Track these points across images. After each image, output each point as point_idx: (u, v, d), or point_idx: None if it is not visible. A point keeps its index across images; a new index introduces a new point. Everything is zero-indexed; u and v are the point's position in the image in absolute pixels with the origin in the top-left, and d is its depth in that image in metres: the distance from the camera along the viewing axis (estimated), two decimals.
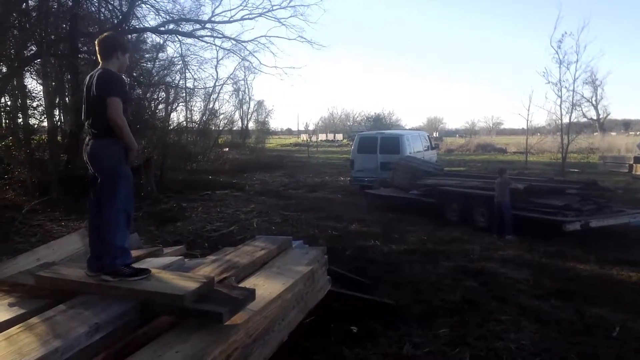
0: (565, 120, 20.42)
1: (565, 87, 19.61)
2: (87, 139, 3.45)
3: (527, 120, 24.23)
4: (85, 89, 3.46)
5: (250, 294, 3.22)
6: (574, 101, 20.33)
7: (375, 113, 67.02)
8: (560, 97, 19.70)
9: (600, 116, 48.32)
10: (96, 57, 3.59)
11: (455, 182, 10.81)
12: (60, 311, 2.86)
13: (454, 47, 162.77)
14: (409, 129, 39.60)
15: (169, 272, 3.56)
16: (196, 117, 26.34)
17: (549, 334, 4.31)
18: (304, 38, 17.54)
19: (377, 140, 14.30)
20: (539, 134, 32.45)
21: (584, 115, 20.67)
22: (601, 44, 54.53)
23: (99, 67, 3.47)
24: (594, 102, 45.81)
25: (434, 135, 55.06)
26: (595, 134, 42.68)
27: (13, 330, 2.62)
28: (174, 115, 23.12)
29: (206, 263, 4.29)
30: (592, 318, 4.67)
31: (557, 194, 9.05)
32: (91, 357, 2.60)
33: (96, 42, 3.54)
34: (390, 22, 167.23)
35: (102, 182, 3.34)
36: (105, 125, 3.28)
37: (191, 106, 25.79)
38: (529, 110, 26.29)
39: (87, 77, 3.52)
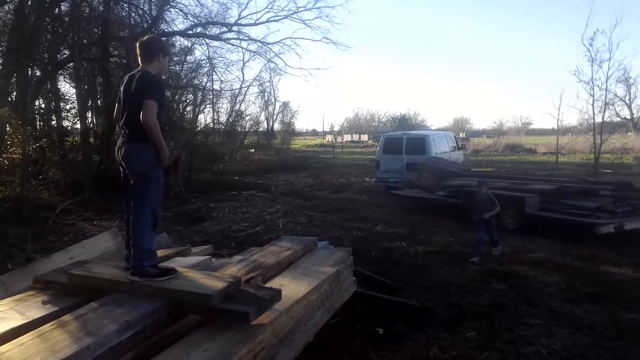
0: (598, 119, 19.93)
1: (598, 85, 19.14)
2: (120, 140, 3.47)
3: (558, 120, 23.63)
4: (122, 89, 3.47)
5: (277, 294, 3.24)
6: (607, 100, 19.87)
7: (400, 114, 66.83)
8: (593, 96, 19.21)
9: (635, 115, 46.71)
10: (127, 60, 3.65)
11: None
12: (92, 309, 2.92)
13: (481, 46, 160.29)
14: (435, 130, 39.20)
15: (196, 271, 3.61)
16: (223, 118, 26.75)
17: (581, 339, 4.19)
18: (329, 39, 17.82)
19: (402, 140, 14.20)
20: (570, 134, 31.60)
21: (617, 115, 20.18)
22: (635, 42, 52.65)
23: (139, 68, 3.47)
24: (627, 101, 44.43)
25: (461, 135, 54.35)
26: (629, 133, 41.30)
27: (46, 327, 2.67)
28: (201, 117, 23.53)
29: (233, 263, 4.33)
30: (626, 323, 4.52)
31: (589, 196, 8.80)
32: (122, 354, 2.65)
33: (138, 44, 3.53)
34: (415, 23, 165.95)
35: (133, 185, 3.38)
36: (139, 128, 3.28)
37: (218, 108, 26.19)
38: (559, 109, 25.60)
39: (126, 77, 3.52)
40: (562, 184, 9.58)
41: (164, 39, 14.74)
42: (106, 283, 3.28)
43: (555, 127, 25.81)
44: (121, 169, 3.54)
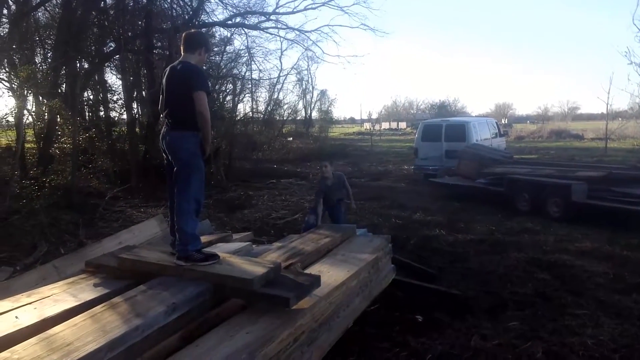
0: None
1: None
2: (165, 129, 3.59)
3: (607, 104, 22.66)
4: (165, 80, 3.58)
5: (316, 280, 3.29)
6: None
7: (439, 100, 65.35)
8: None
9: None
10: (169, 51, 3.77)
11: (526, 171, 10.34)
12: (141, 291, 3.04)
13: (524, 28, 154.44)
14: (476, 116, 38.21)
15: (238, 257, 3.71)
16: (261, 107, 27.00)
17: (629, 330, 4.05)
18: (367, 25, 17.59)
19: (442, 127, 13.95)
20: (620, 119, 30.16)
21: None
22: None
23: (180, 59, 3.60)
24: None
25: (503, 121, 52.79)
26: None
27: (97, 309, 2.80)
28: (240, 106, 23.79)
29: (272, 249, 4.42)
30: None
31: None
32: (169, 334, 2.76)
33: (184, 35, 3.69)
34: (454, 8, 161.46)
35: (177, 172, 3.48)
36: (183, 117, 3.39)
37: (256, 97, 26.45)
38: (609, 93, 24.60)
39: (168, 69, 3.64)
40: (611, 170, 9.21)
41: (204, 30, 15.03)
42: (153, 267, 3.41)
43: (605, 112, 24.65)
44: (165, 157, 3.65)
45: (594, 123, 44.27)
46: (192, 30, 3.83)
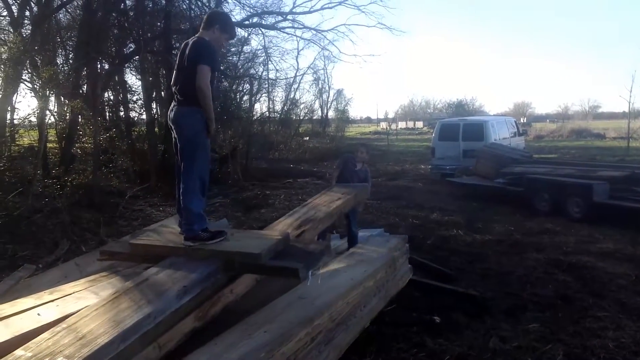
0: None
1: None
2: (173, 104, 3.56)
3: (630, 103, 22.21)
4: (179, 56, 3.60)
5: (326, 247, 3.28)
6: None
7: (457, 99, 64.58)
8: None
9: None
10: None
11: (545, 170, 10.19)
12: (151, 275, 2.98)
13: (543, 26, 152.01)
14: (494, 115, 37.70)
15: (246, 231, 3.67)
16: (278, 107, 27.13)
17: None
18: (384, 24, 17.47)
19: (459, 127, 13.81)
20: None
21: None
22: None
23: (196, 35, 3.60)
24: None
25: (522, 120, 52.04)
26: None
27: (109, 296, 2.76)
28: (257, 106, 23.91)
29: (285, 217, 4.46)
30: None
31: None
32: (183, 316, 2.74)
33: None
34: (471, 4, 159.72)
35: (181, 149, 3.45)
36: (190, 93, 3.33)
37: (273, 97, 26.59)
38: (631, 91, 24.20)
39: (183, 44, 3.65)
40: (634, 170, 9.02)
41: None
42: (164, 249, 3.35)
43: (627, 110, 24.13)
44: (173, 135, 3.60)
45: (616, 122, 43.41)
46: (213, 10, 3.87)
